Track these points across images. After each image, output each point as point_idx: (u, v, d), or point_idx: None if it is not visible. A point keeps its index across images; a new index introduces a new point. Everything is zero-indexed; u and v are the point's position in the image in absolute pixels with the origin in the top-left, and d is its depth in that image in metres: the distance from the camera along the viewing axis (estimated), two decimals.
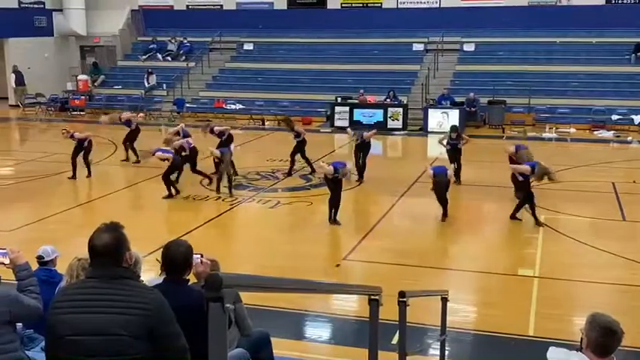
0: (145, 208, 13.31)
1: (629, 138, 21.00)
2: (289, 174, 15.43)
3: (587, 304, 8.30)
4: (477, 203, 13.39)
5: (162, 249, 4.23)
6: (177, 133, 15.50)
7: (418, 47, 26.70)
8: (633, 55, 24.21)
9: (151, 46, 29.34)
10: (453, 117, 22.00)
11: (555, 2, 26.35)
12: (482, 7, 26.60)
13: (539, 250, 10.50)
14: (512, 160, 13.01)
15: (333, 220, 11.74)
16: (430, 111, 22.50)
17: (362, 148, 15.03)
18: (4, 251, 4.72)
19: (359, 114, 23.10)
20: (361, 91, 23.85)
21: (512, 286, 9.23)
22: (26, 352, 4.59)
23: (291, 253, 10.38)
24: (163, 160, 13.64)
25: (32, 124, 25.42)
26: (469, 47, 26.33)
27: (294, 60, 27.18)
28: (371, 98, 23.85)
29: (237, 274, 2.53)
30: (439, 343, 6.56)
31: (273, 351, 5.67)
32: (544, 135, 21.21)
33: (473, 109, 22.85)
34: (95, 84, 28.50)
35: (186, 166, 14.35)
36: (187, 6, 30.46)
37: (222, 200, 13.41)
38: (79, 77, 28.59)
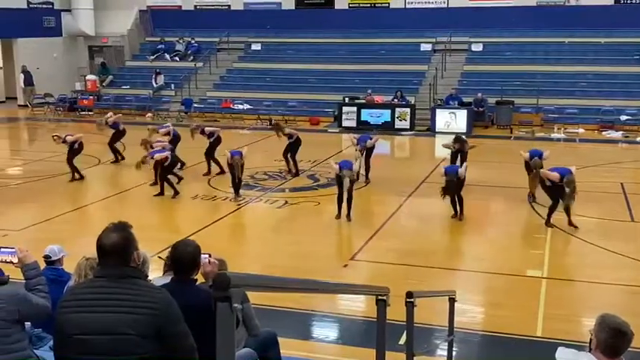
0: (153, 208, 13.33)
1: (638, 138, 20.90)
2: (296, 174, 15.46)
3: (596, 305, 8.26)
4: (484, 203, 13.36)
5: (170, 249, 4.24)
6: (168, 134, 15.71)
7: (426, 47, 26.65)
8: None
9: (159, 47, 29.39)
10: (461, 117, 21.97)
11: (564, 2, 26.25)
12: (490, 7, 26.53)
13: (547, 250, 10.46)
14: (527, 165, 12.98)
15: (346, 216, 11.93)
16: (438, 111, 22.44)
17: (366, 152, 15.01)
18: (13, 250, 4.73)
19: (366, 114, 23.08)
20: (369, 91, 23.83)
21: (519, 287, 9.19)
22: (35, 351, 4.59)
23: (298, 253, 10.38)
24: (164, 160, 13.69)
25: (41, 124, 25.51)
26: (477, 47, 26.26)
27: (301, 60, 27.17)
28: (378, 98, 23.82)
29: (245, 273, 2.52)
30: (447, 344, 6.55)
31: (281, 351, 5.67)
32: (552, 135, 21.14)
33: (481, 110, 22.79)
34: (103, 84, 28.58)
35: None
36: (195, 6, 30.50)
37: (230, 200, 13.43)
38: (87, 77, 28.68)
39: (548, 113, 22.89)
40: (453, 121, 21.98)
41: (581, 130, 21.86)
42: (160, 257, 4.32)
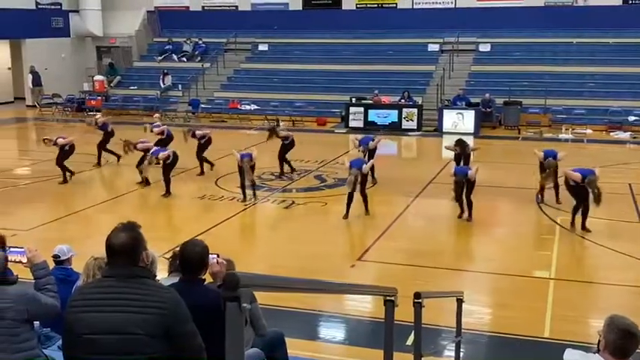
0: (161, 208, 13.36)
1: None
2: (282, 175, 15.53)
3: (604, 306, 8.23)
4: (492, 204, 13.32)
5: (178, 249, 4.25)
6: (162, 133, 15.81)
7: (433, 48, 26.62)
8: None
9: (167, 47, 29.46)
10: (468, 118, 21.94)
11: (572, 2, 26.18)
12: (498, 7, 26.47)
13: (555, 251, 10.43)
14: (541, 165, 12.92)
15: (365, 211, 12.30)
16: (445, 112, 22.41)
17: (369, 154, 14.99)
18: (22, 250, 4.76)
19: (373, 114, 23.08)
20: (376, 91, 23.81)
21: (527, 288, 9.16)
22: (43, 350, 4.61)
23: (305, 254, 10.38)
24: (166, 159, 13.74)
25: (49, 124, 25.58)
26: (485, 48, 26.21)
27: (308, 61, 27.18)
28: (385, 99, 23.80)
29: (254, 273, 2.53)
30: (454, 345, 6.54)
31: (288, 351, 5.67)
32: (560, 136, 21.08)
33: (488, 110, 22.74)
34: (111, 84, 28.67)
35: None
36: (203, 7, 30.57)
37: (237, 201, 13.44)
38: (95, 78, 28.77)
39: (556, 114, 22.81)
40: (460, 121, 21.95)
41: (589, 131, 21.78)
42: (165, 257, 4.33)
